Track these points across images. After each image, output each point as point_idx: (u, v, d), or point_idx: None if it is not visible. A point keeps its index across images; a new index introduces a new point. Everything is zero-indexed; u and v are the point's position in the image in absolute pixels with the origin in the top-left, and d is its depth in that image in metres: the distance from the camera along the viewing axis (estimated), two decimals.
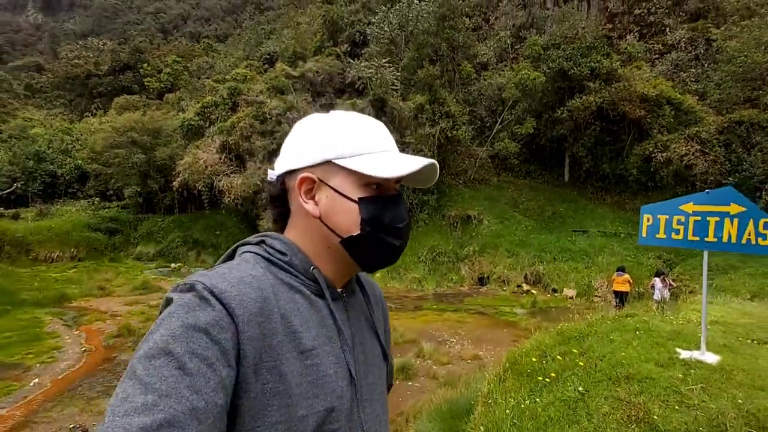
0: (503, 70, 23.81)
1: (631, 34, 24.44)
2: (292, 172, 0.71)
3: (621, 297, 11.08)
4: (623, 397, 2.80)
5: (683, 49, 22.07)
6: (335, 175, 0.68)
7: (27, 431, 4.67)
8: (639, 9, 24.57)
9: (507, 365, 3.94)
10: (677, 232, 3.25)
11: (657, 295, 9.98)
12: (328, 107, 22.99)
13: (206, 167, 19.62)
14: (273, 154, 20.21)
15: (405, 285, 16.64)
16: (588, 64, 19.17)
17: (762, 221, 2.90)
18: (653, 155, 18.26)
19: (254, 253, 0.68)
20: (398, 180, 0.70)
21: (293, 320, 0.62)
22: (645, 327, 3.83)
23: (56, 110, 39.20)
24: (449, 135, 18.67)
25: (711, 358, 3.10)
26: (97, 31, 69.58)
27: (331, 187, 0.68)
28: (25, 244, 18.20)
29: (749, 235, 2.93)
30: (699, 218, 3.14)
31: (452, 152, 20.36)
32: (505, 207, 21.35)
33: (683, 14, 23.58)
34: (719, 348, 3.43)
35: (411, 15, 23.67)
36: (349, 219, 0.68)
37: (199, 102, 24.43)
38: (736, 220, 2.98)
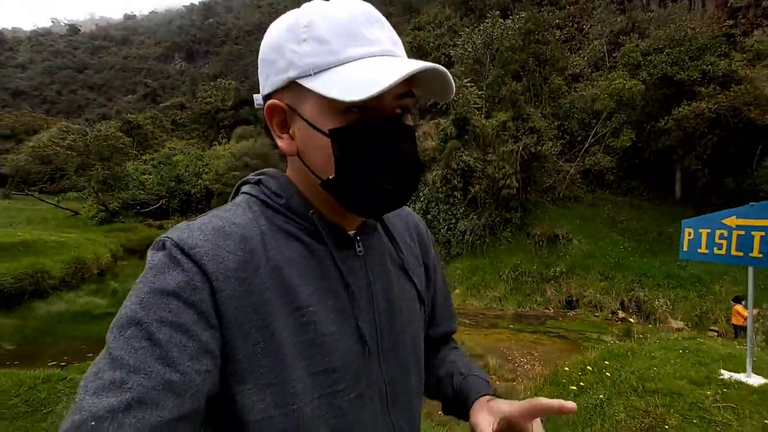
0: (597, 81, 22.35)
1: (760, 29, 21.06)
2: (268, 98, 0.58)
3: (737, 331, 9.72)
4: (642, 407, 2.88)
5: None
6: (305, 100, 0.54)
7: None
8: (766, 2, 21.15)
9: (547, 376, 4.10)
10: (720, 246, 3.15)
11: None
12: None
13: None
14: None
15: (485, 303, 16.40)
16: (699, 67, 17.12)
17: None
18: None
19: (250, 194, 0.61)
20: (400, 93, 0.54)
21: (287, 273, 0.54)
22: (696, 347, 3.65)
23: (193, 140, 47.20)
24: (533, 151, 18.12)
25: (756, 380, 2.92)
26: (225, 73, 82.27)
27: (302, 117, 0.55)
28: None
29: None
30: (743, 232, 3.03)
31: (538, 169, 19.61)
32: (599, 226, 19.74)
33: None
34: None
35: (495, 33, 23.76)
36: (323, 157, 0.54)
37: None
38: None
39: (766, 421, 2.49)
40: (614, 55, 25.15)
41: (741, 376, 3.01)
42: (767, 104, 16.40)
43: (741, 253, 3.05)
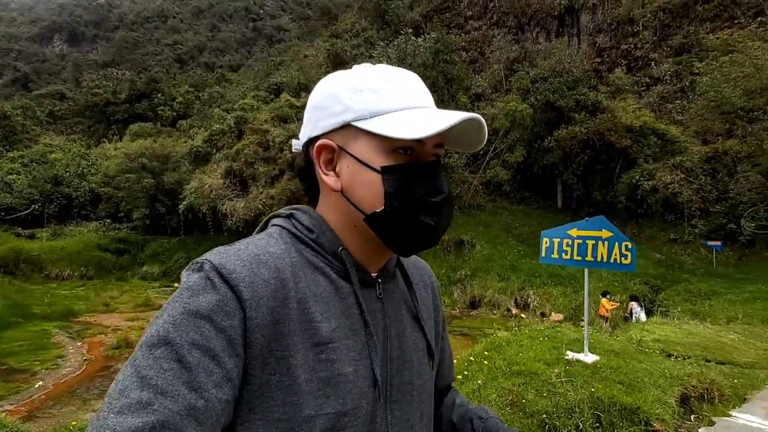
0: (497, 101, 24.98)
1: (619, 67, 25.53)
2: (312, 141, 0.63)
3: (606, 320, 11.50)
4: (508, 387, 3.45)
5: (668, 81, 23.01)
6: (356, 141, 0.59)
7: (30, 423, 5.36)
8: (626, 44, 25.77)
9: None
10: (566, 252, 3.94)
11: (635, 318, 10.49)
12: None
13: (211, 191, 20.73)
14: (275, 179, 21.31)
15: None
16: (573, 97, 20.18)
17: (624, 244, 3.59)
18: (639, 183, 18.89)
19: (282, 227, 0.63)
20: (437, 143, 0.60)
21: (311, 307, 0.56)
22: (553, 335, 4.46)
23: (75, 136, 41.33)
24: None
25: (590, 358, 3.73)
26: (118, 61, 73.61)
27: (352, 155, 0.59)
28: (39, 262, 19.26)
29: (615, 255, 3.62)
30: (581, 241, 3.84)
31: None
32: (498, 232, 21.95)
33: (668, 49, 24.68)
34: (606, 353, 4.05)
35: (408, 49, 25.20)
36: (372, 192, 0.58)
37: (207, 130, 25.89)
38: (606, 243, 3.67)
39: (592, 389, 3.21)
40: (510, 79, 28.38)
41: (580, 356, 3.80)
42: (623, 131, 19.93)
43: (580, 258, 3.87)
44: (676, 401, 3.47)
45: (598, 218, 3.81)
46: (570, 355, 3.84)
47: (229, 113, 26.21)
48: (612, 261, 3.62)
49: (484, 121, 0.58)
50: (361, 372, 0.57)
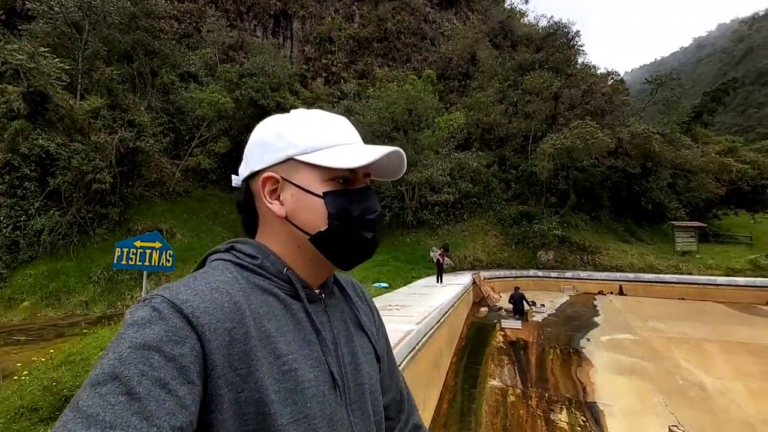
0: (208, 87, 24.52)
1: (321, 77, 30.09)
2: (255, 175, 0.69)
3: None
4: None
5: (353, 98, 29.02)
6: (298, 172, 0.67)
7: None
8: (326, 59, 30.59)
9: None
10: (132, 259, 4.88)
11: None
12: None
13: None
14: None
15: (65, 311, 14.64)
16: (275, 98, 22.42)
17: (168, 252, 4.83)
18: None
19: (223, 259, 0.66)
20: (366, 173, 0.70)
21: (267, 325, 0.60)
22: None
23: None
24: (132, 145, 17.71)
25: None
26: None
27: (295, 185, 0.67)
28: None
29: (162, 260, 4.82)
30: (142, 250, 4.85)
31: (140, 164, 19.34)
32: (204, 219, 22.02)
33: (354, 72, 31.04)
34: None
35: (96, 2, 20.97)
36: (315, 215, 0.66)
37: None
38: (157, 252, 4.82)
39: None
40: (226, 65, 28.36)
41: None
42: None
43: (141, 263, 4.88)
44: None
45: (153, 233, 4.91)
46: None
47: None
48: (160, 265, 4.78)
49: (404, 154, 0.69)
50: (321, 377, 0.62)
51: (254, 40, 30.63)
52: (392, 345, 5.42)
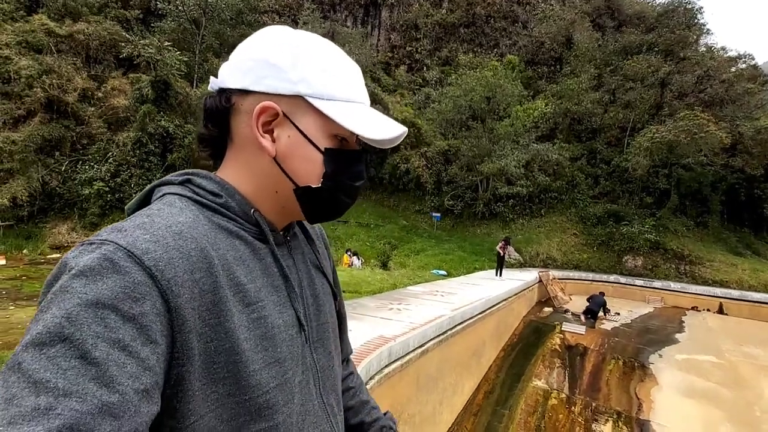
0: None
1: (404, 65, 30.37)
2: (246, 93, 0.60)
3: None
4: None
5: (434, 85, 28.86)
6: (304, 115, 0.60)
7: None
8: (410, 46, 30.71)
9: None
10: None
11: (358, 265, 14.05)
12: (100, 79, 21.18)
13: None
14: (18, 120, 17.78)
15: None
16: None
17: None
18: (399, 165, 23.76)
19: (179, 194, 0.58)
20: (378, 143, 0.63)
21: (236, 270, 0.56)
22: None
23: None
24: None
25: None
26: None
27: (298, 128, 0.60)
28: None
29: None
30: None
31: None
32: None
33: (438, 58, 30.69)
34: None
35: (211, 1, 23.80)
36: (309, 168, 0.61)
37: None
38: None
39: None
40: None
41: None
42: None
43: None
44: None
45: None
46: None
47: None
48: None
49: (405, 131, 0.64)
50: (289, 321, 0.62)
51: (344, 29, 31.91)
52: (418, 325, 5.76)
